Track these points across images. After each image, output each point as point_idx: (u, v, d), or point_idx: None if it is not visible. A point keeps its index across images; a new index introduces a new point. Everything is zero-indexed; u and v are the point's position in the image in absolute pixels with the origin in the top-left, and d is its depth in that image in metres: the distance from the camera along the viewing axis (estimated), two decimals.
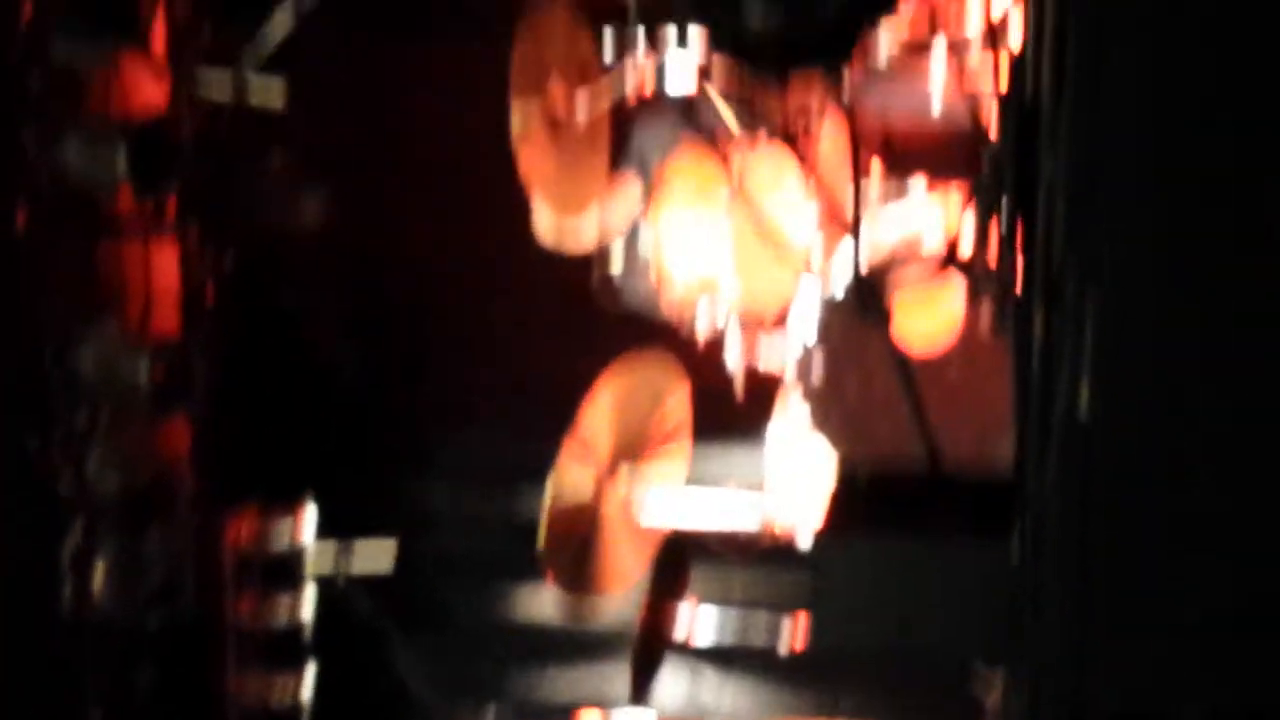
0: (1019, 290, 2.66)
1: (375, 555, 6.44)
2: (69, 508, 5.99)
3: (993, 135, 2.74)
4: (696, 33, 2.89)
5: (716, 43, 2.87)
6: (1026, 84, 2.65)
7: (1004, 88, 2.73)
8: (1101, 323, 2.44)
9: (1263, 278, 2.37)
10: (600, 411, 5.54)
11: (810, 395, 5.09)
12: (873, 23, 2.82)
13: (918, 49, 4.35)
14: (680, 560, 5.83)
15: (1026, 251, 2.62)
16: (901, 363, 3.20)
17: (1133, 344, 2.45)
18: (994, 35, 3.16)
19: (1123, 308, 2.45)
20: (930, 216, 4.89)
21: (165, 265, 6.58)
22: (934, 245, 4.83)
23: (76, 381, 6.13)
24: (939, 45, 4.26)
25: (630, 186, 5.53)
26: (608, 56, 5.21)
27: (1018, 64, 2.71)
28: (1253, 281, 2.38)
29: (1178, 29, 2.38)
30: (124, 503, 6.17)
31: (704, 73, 2.93)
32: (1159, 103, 2.36)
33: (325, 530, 6.48)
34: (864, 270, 3.62)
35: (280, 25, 5.07)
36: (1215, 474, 2.43)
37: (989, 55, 2.92)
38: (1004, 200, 2.68)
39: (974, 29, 4.42)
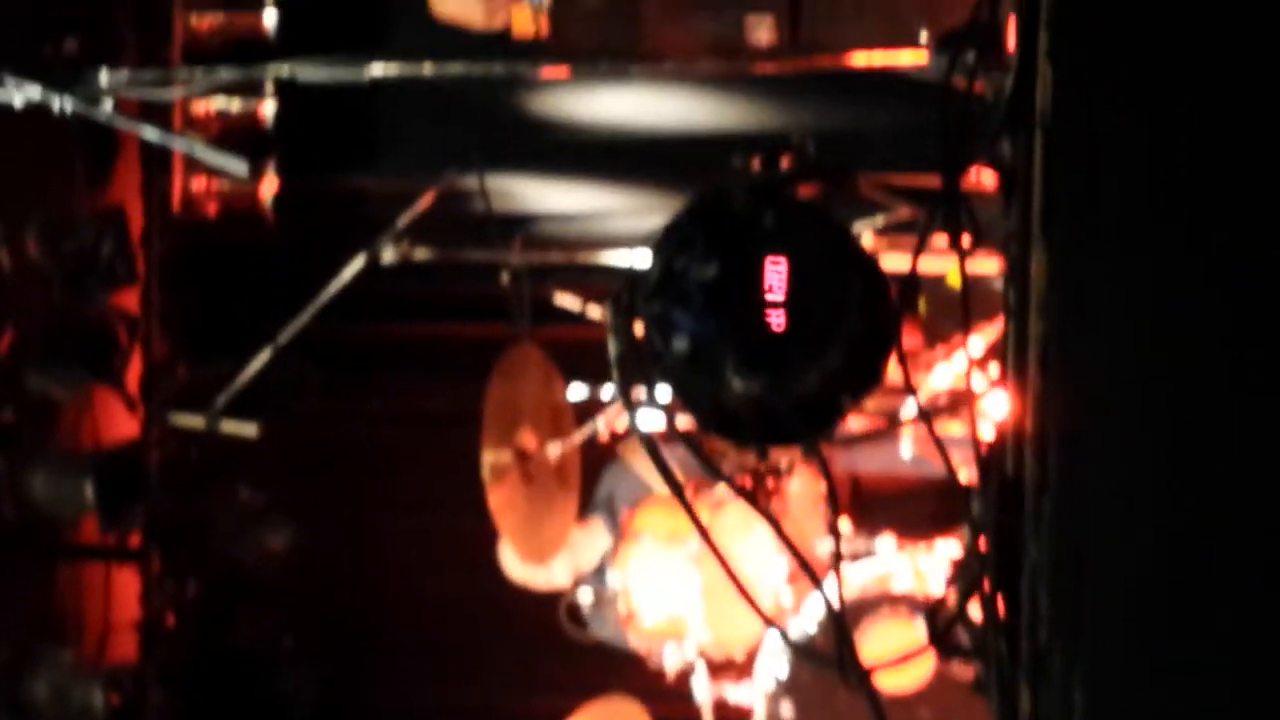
0: (1002, 663, 2.69)
1: None
2: None
3: (971, 504, 2.79)
4: (669, 392, 2.94)
5: (692, 410, 2.92)
6: (1007, 464, 2.71)
7: (983, 463, 2.79)
8: (1091, 697, 2.46)
9: (1252, 654, 2.40)
10: None
11: None
12: (855, 398, 2.88)
13: (894, 416, 4.48)
14: None
15: (1010, 629, 2.65)
16: (875, 705, 3.20)
17: (1126, 716, 2.47)
18: (973, 410, 3.25)
19: (1114, 684, 2.46)
20: (902, 567, 4.97)
21: (126, 593, 6.56)
22: (905, 593, 4.90)
23: (28, 709, 6.05)
24: (914, 413, 4.39)
25: (599, 530, 5.60)
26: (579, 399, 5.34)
27: (998, 442, 2.77)
28: (1245, 659, 2.40)
29: (1158, 417, 2.46)
30: None
31: (675, 426, 2.98)
32: (1144, 489, 2.42)
33: None
34: (836, 620, 3.63)
35: (256, 366, 5.14)
36: None
37: (969, 428, 2.99)
38: (985, 576, 2.72)
39: (952, 399, 4.58)
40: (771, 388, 2.84)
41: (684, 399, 2.96)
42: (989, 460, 2.77)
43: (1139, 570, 2.38)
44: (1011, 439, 2.64)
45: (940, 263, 4.10)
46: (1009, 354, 2.72)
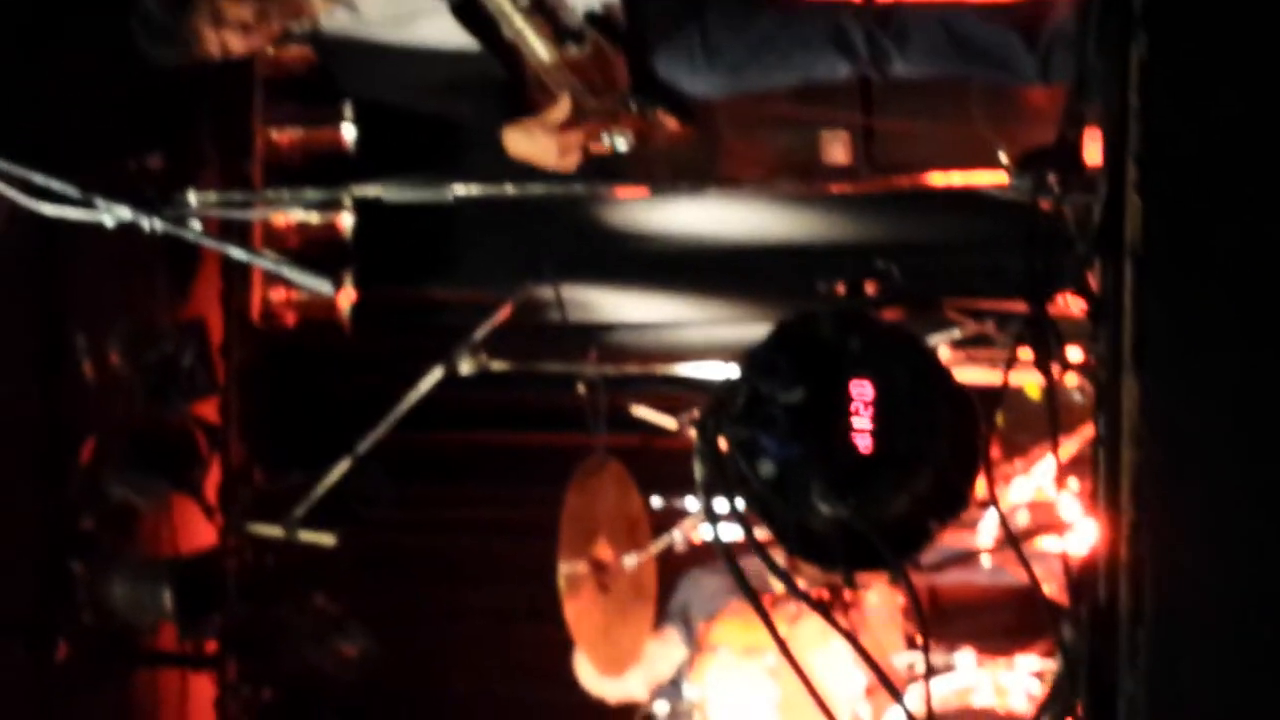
0: None
1: None
2: None
3: (1059, 627, 2.79)
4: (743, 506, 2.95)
5: (777, 534, 2.93)
6: (1099, 591, 2.70)
7: (1075, 588, 2.78)
8: None
9: None
10: None
11: None
12: (942, 523, 2.89)
13: (981, 540, 4.48)
14: None
15: None
16: None
17: None
18: (1066, 536, 3.24)
19: None
20: (983, 681, 4.93)
21: (202, 700, 6.59)
22: (986, 707, 4.86)
23: None
24: (1000, 534, 4.39)
25: (674, 641, 5.58)
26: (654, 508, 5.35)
27: (1089, 568, 2.77)
28: None
29: (1256, 550, 2.45)
30: None
31: (752, 536, 2.99)
32: (1242, 623, 2.41)
33: None
34: None
35: (334, 477, 5.17)
36: None
37: (1060, 554, 2.99)
38: (1079, 705, 2.71)
39: (1031, 513, 4.57)
40: (858, 513, 2.85)
41: (769, 522, 2.96)
42: (1080, 586, 2.76)
43: (1238, 707, 2.37)
44: (1104, 567, 2.64)
45: (1017, 374, 4.10)
46: (1100, 481, 2.72)
